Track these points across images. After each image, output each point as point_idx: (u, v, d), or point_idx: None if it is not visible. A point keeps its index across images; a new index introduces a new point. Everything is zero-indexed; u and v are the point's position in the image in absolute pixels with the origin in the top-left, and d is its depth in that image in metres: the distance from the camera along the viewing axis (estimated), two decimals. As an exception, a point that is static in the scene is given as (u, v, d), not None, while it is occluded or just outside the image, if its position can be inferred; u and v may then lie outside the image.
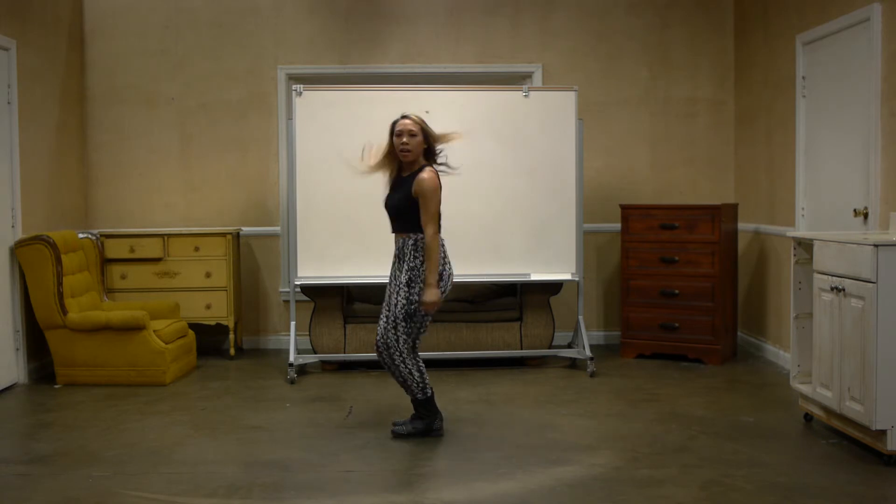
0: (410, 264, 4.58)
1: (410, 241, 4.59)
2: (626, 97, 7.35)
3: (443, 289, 4.59)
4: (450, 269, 4.67)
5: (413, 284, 4.57)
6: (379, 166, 4.73)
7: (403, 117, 4.63)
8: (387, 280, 4.80)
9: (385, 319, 4.65)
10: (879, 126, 5.12)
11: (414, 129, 4.57)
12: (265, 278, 7.36)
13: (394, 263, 4.74)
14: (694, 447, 4.52)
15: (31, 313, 6.08)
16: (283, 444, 4.65)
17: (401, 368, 4.63)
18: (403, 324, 4.59)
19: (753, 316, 7.00)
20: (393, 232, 4.73)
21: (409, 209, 4.57)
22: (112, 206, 7.24)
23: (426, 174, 4.55)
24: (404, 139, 4.56)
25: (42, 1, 6.53)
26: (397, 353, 4.61)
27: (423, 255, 4.57)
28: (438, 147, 4.67)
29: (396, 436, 4.69)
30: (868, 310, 4.17)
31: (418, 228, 4.57)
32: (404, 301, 4.57)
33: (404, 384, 4.69)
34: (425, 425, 4.72)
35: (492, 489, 3.96)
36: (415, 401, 4.73)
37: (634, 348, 6.79)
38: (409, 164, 4.64)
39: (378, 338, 4.65)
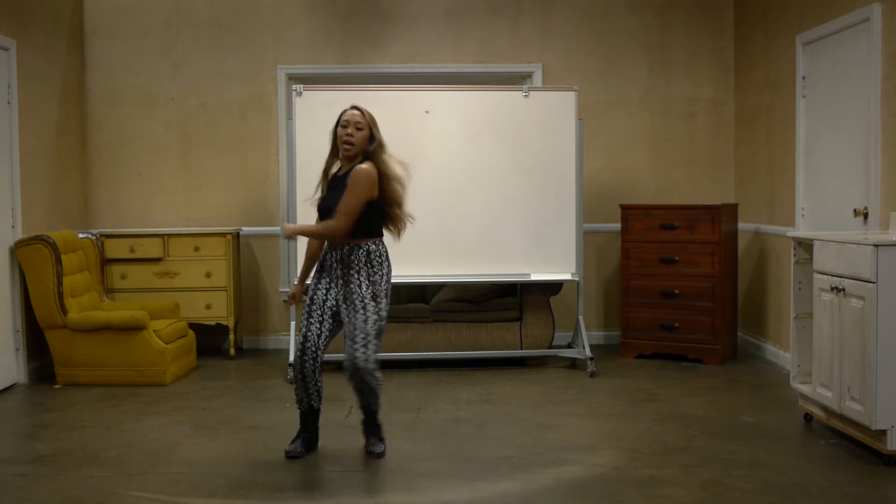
0: (372, 278, 4.26)
1: (362, 251, 4.25)
2: (626, 97, 7.35)
3: (386, 289, 4.34)
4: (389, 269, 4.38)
5: (379, 299, 4.26)
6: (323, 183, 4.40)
7: (353, 108, 4.31)
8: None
9: (352, 340, 4.23)
10: (879, 126, 5.12)
11: (361, 121, 4.24)
12: (265, 278, 7.36)
13: (327, 274, 4.33)
14: (694, 447, 4.52)
15: (31, 313, 6.08)
16: (283, 444, 4.64)
17: (373, 385, 4.30)
18: (375, 340, 4.24)
19: (753, 316, 7.00)
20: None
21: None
22: (112, 206, 7.24)
23: (366, 165, 4.22)
24: (349, 130, 4.22)
25: (42, 1, 6.52)
26: (375, 371, 4.27)
27: (379, 267, 4.27)
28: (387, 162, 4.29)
29: (377, 456, 4.41)
30: (868, 310, 4.17)
31: (371, 234, 4.28)
32: (375, 317, 4.24)
33: (372, 399, 4.38)
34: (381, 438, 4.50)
35: (492, 489, 3.96)
36: (373, 414, 4.45)
37: (634, 348, 6.79)
38: (349, 159, 4.28)
39: (349, 361, 4.21)
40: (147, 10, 7.21)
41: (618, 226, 6.92)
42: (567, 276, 6.44)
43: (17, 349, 6.05)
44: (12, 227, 6.01)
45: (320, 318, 4.32)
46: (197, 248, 6.79)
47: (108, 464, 4.33)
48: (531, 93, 6.39)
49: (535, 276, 6.41)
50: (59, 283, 5.97)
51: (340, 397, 5.66)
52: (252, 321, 7.37)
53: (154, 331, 6.09)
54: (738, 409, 5.27)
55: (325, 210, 4.31)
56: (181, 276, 6.78)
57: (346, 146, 4.26)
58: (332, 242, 4.32)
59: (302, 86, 6.26)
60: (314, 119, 6.22)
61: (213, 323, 6.84)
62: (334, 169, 4.42)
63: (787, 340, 5.90)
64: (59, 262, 5.99)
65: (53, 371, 6.11)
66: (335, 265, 4.32)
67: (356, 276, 4.27)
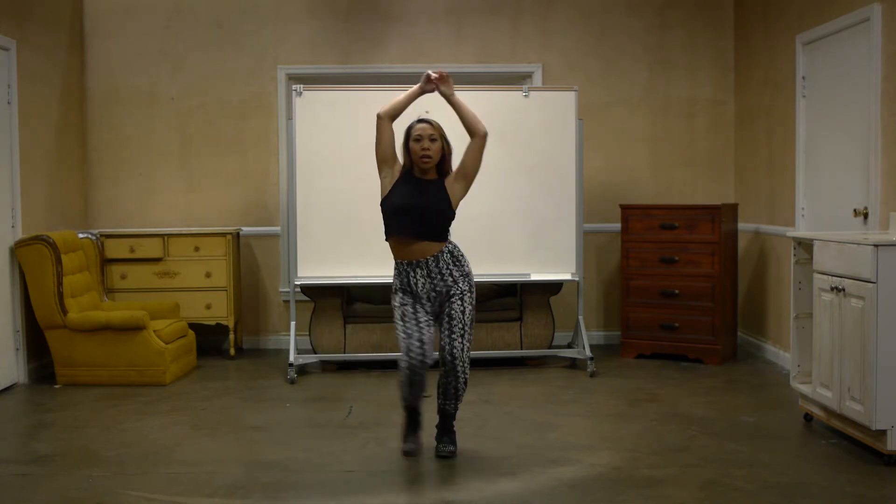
0: (465, 270, 4.32)
1: (446, 252, 4.29)
2: (626, 97, 7.35)
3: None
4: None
5: (472, 290, 4.34)
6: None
7: (420, 121, 4.33)
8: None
9: (453, 332, 4.27)
10: (879, 126, 5.12)
11: (434, 133, 4.27)
12: (265, 278, 7.36)
13: (416, 282, 4.28)
14: (694, 447, 4.52)
15: (31, 313, 6.08)
16: (283, 444, 4.65)
17: (462, 380, 4.35)
18: (470, 332, 4.33)
19: (753, 316, 7.00)
20: (412, 237, 4.23)
21: (447, 216, 4.31)
22: (112, 206, 7.23)
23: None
24: (424, 143, 4.23)
25: (42, 1, 6.53)
26: (467, 365, 4.33)
27: (465, 261, 4.34)
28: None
29: (447, 456, 4.39)
30: (868, 310, 4.17)
31: (447, 235, 4.34)
32: (470, 307, 4.32)
33: (457, 397, 4.40)
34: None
35: (492, 489, 3.96)
36: (451, 416, 4.47)
37: (634, 348, 6.78)
38: (425, 172, 4.32)
39: (448, 352, 4.26)
40: (147, 10, 7.21)
41: (618, 226, 6.92)
42: (567, 276, 6.44)
43: (17, 349, 6.05)
44: (12, 227, 6.01)
45: (428, 324, 4.28)
46: (197, 248, 6.79)
47: (108, 464, 4.33)
48: (531, 93, 6.39)
49: (535, 276, 6.41)
50: (59, 283, 5.97)
51: (341, 397, 5.67)
52: (252, 321, 7.37)
53: (154, 331, 6.09)
54: (738, 409, 5.27)
55: (420, 209, 4.24)
56: (181, 276, 6.78)
57: (426, 160, 4.26)
58: (413, 262, 4.28)
59: (302, 86, 6.26)
60: (314, 119, 6.23)
61: (213, 323, 6.83)
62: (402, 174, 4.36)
63: (787, 340, 5.90)
64: (59, 262, 5.98)
65: (53, 371, 6.11)
66: (423, 280, 4.29)
67: (448, 274, 4.29)
